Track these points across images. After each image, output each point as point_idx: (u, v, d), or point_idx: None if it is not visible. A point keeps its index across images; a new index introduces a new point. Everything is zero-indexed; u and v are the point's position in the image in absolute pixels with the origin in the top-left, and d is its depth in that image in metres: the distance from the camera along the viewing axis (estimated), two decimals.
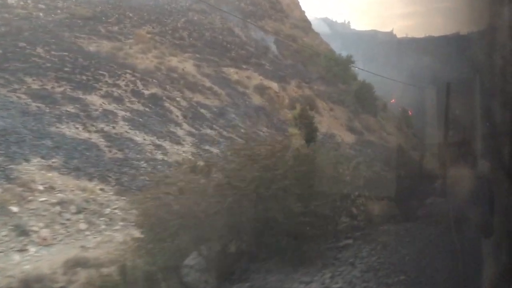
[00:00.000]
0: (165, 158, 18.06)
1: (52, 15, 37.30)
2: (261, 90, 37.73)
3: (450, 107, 28.25)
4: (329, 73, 52.18)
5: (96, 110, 19.58)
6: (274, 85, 38.93)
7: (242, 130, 28.23)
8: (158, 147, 18.54)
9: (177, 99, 26.85)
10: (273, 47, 53.25)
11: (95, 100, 20.72)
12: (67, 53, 25.98)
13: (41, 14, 36.71)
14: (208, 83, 34.46)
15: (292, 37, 59.64)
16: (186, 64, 35.49)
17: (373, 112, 46.81)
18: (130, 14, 43.85)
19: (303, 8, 68.03)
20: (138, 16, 44.01)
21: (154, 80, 27.28)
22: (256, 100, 36.61)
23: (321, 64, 54.58)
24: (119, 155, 16.54)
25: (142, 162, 17.05)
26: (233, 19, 55.08)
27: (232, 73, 38.40)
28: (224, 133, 25.55)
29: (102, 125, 18.17)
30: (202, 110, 27.97)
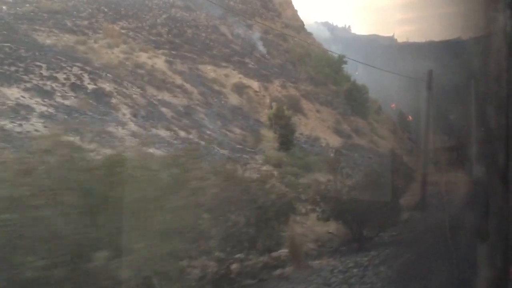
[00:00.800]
0: None
1: (17, 8, 34.11)
2: (239, 89, 34.38)
3: (435, 104, 24.66)
4: (319, 73, 48.77)
5: (4, 104, 16.29)
6: (255, 84, 35.57)
7: (208, 132, 24.86)
8: (76, 149, 15.23)
9: (134, 96, 23.55)
10: (261, 46, 49.90)
11: (12, 92, 17.46)
12: (10, 44, 22.71)
13: (4, 7, 33.54)
14: (179, 81, 31.13)
15: (283, 36, 56.25)
16: (157, 60, 32.18)
17: (363, 114, 43.32)
18: (105, 9, 40.62)
19: (296, 8, 64.78)
20: (114, 11, 40.77)
21: (108, 75, 24.00)
22: (234, 99, 33.26)
23: (312, 65, 51.28)
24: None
25: None
26: (220, 17, 51.92)
27: (209, 71, 35.07)
28: (182, 134, 22.21)
29: (4, 122, 14.88)
30: (163, 109, 24.65)
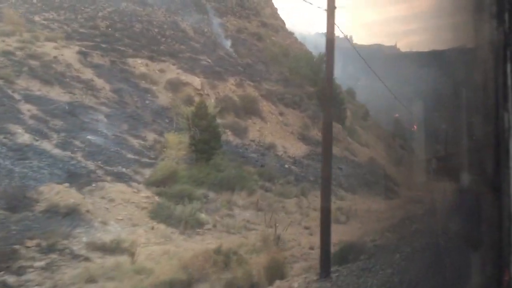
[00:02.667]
0: None
1: None
2: (175, 86, 26.86)
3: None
4: (295, 74, 41.08)
5: None
6: (196, 81, 28.01)
7: (91, 137, 17.34)
8: None
9: None
10: (227, 45, 42.52)
11: None
12: None
13: None
14: (89, 75, 23.76)
15: (258, 35, 48.90)
16: (66, 52, 24.88)
17: (339, 118, 35.39)
18: (34, 1, 33.64)
19: (276, 6, 57.33)
20: (44, 2, 33.78)
21: None
22: (164, 98, 25.73)
23: (288, 65, 43.78)
24: None
25: None
26: (185, 14, 44.75)
27: (139, 65, 27.64)
28: (26, 138, 14.72)
29: None
30: (25, 106, 17.23)
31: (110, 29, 33.69)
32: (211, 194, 16.06)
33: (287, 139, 29.97)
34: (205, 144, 19.29)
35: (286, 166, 25.65)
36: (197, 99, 27.06)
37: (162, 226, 11.47)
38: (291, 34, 55.13)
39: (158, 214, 11.89)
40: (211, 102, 24.79)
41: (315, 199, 20.61)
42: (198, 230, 12.19)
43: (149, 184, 14.21)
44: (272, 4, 56.89)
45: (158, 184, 14.35)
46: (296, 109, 33.97)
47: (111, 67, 26.15)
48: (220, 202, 15.19)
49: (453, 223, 11.43)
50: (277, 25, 53.82)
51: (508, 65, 2.23)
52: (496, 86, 2.39)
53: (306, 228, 14.98)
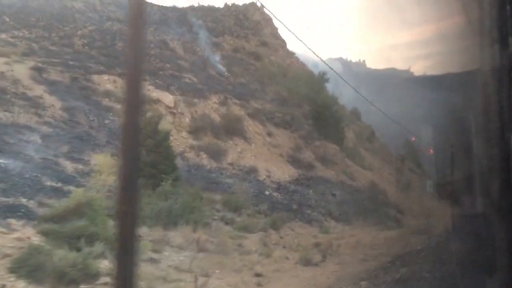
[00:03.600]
0: None
1: None
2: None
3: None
4: (294, 93, 37.53)
5: None
6: (168, 98, 24.59)
7: (2, 161, 13.86)
8: None
9: None
10: (219, 65, 39.33)
11: None
12: None
13: None
14: (39, 92, 20.58)
15: (255, 55, 45.71)
16: (18, 67, 21.82)
17: (336, 138, 31.48)
18: (7, 19, 31.07)
19: (276, 26, 54.07)
20: (18, 21, 31.18)
21: None
22: None
23: (286, 85, 40.34)
24: None
25: None
26: (177, 33, 41.89)
27: (104, 81, 24.42)
28: None
29: None
30: None
31: (86, 47, 30.81)
32: (142, 231, 12.28)
33: (274, 162, 26.14)
34: (153, 167, 15.62)
35: (267, 192, 21.77)
36: (169, 118, 23.65)
37: (21, 284, 7.81)
38: (292, 54, 51.75)
39: (26, 264, 8.26)
40: (169, 119, 21.27)
41: (289, 232, 16.72)
42: (85, 286, 8.48)
43: (47, 220, 10.64)
44: (273, 24, 53.65)
45: (58, 219, 10.75)
46: (287, 129, 30.23)
47: (71, 84, 22.95)
48: (148, 242, 11.42)
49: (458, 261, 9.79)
50: (277, 45, 50.60)
51: None
52: (501, 109, 2.37)
53: (258, 275, 11.05)
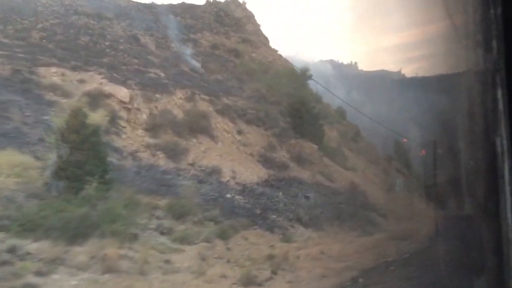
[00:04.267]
0: None
1: None
2: (94, 98, 20.73)
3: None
4: (274, 91, 35.01)
5: None
6: (123, 92, 21.91)
7: None
8: None
9: None
10: (193, 61, 36.70)
11: None
12: None
13: None
14: None
15: (235, 52, 43.10)
16: None
17: (315, 136, 28.86)
18: None
19: (259, 23, 51.63)
20: None
21: None
22: None
23: (266, 82, 37.85)
24: None
25: None
26: (152, 29, 39.25)
27: (51, 74, 21.76)
28: None
29: None
30: None
31: (44, 41, 28.15)
32: (38, 246, 9.62)
33: (242, 161, 23.51)
34: (77, 167, 12.96)
35: (228, 195, 19.12)
36: (122, 113, 21.01)
37: None
38: (274, 51, 49.19)
39: None
40: (123, 114, 18.64)
41: (241, 242, 14.08)
42: None
43: None
44: (255, 21, 51.27)
45: None
46: (260, 127, 27.59)
47: (11, 77, 20.26)
48: (34, 261, 8.78)
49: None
50: (259, 42, 48.01)
51: (499, 91, 2.18)
52: (486, 112, 2.35)
53: None
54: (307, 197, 22.48)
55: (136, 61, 30.71)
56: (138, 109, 21.99)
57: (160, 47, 36.89)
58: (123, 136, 20.31)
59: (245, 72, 39.88)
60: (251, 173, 22.71)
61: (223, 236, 13.72)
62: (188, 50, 38.15)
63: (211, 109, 26.16)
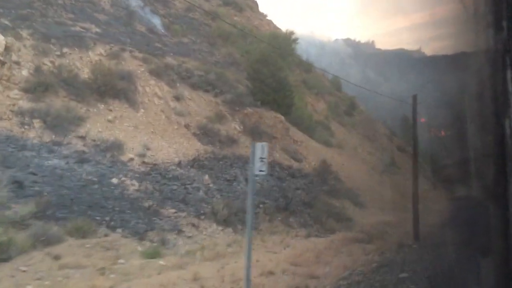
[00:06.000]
0: None
1: None
2: None
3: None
4: (250, 56, 28.66)
5: None
6: None
7: None
8: None
9: None
10: (155, 22, 30.35)
11: None
12: None
13: None
14: None
15: (214, 14, 36.43)
16: None
17: (281, 105, 22.15)
18: None
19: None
20: None
21: None
22: None
23: (243, 47, 31.59)
24: None
25: None
26: None
27: None
28: None
29: None
30: None
31: None
32: None
33: (170, 135, 17.17)
34: None
35: (116, 180, 12.82)
36: None
37: None
38: (263, 16, 42.28)
39: None
40: None
41: (45, 263, 7.71)
42: None
43: None
44: None
45: None
46: (209, 92, 21.08)
47: None
48: None
49: None
50: (245, 5, 41.12)
51: (508, 72, 2.08)
52: (495, 93, 2.19)
53: None
54: (240, 182, 16.00)
55: (71, 16, 24.49)
56: (17, 63, 15.77)
57: (117, 5, 30.55)
58: None
59: (219, 36, 33.44)
60: (176, 150, 16.37)
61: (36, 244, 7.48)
62: (149, 11, 31.75)
63: (143, 69, 19.79)
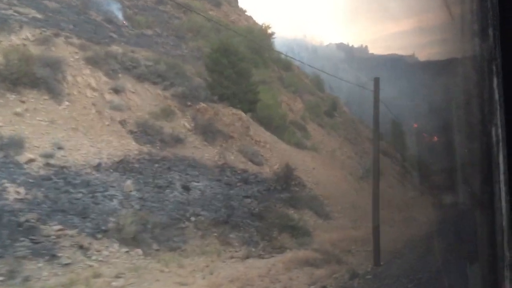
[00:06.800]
0: None
1: None
2: None
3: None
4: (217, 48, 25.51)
5: None
6: None
7: None
8: None
9: None
10: (116, 13, 27.47)
11: None
12: None
13: None
14: None
15: (187, 7, 33.58)
16: None
17: (243, 101, 19.17)
18: None
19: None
20: None
21: None
22: None
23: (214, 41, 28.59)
24: None
25: None
26: None
27: None
28: None
29: None
30: None
31: None
32: None
33: (97, 132, 14.18)
34: None
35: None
36: None
37: None
38: (242, 11, 39.52)
39: None
40: None
41: None
42: None
43: None
44: None
45: None
46: (157, 84, 18.09)
47: None
48: None
49: None
50: (223, 0, 38.31)
51: (495, 79, 2.11)
52: (482, 101, 2.24)
53: None
54: (186, 188, 12.99)
55: (14, 1, 21.53)
56: None
57: None
58: None
59: (189, 30, 30.63)
60: (100, 149, 13.34)
61: None
62: (112, 2, 28.86)
63: (77, 57, 16.81)
